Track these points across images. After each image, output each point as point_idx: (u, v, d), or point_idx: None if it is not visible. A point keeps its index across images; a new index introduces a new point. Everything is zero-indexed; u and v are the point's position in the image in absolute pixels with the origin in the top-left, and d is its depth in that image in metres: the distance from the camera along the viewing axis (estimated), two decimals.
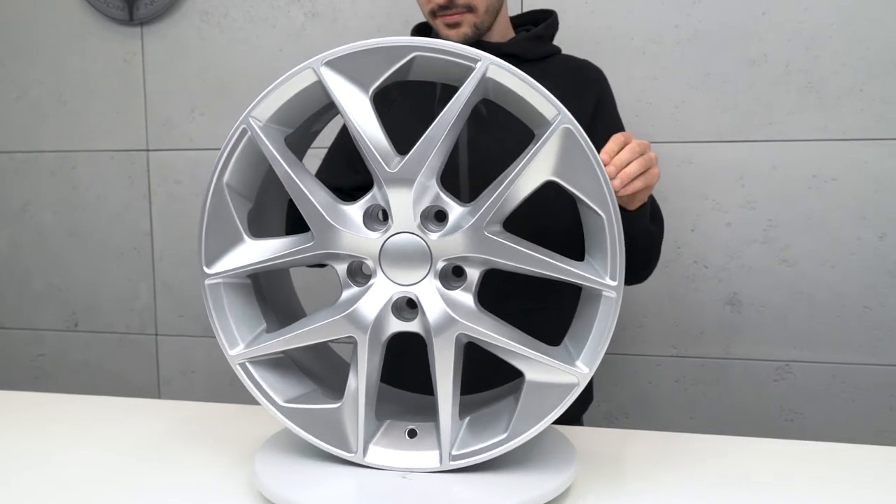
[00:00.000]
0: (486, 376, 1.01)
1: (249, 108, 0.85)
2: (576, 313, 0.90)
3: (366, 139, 0.83)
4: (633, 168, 0.86)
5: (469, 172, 1.20)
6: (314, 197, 0.86)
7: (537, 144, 0.81)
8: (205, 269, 0.89)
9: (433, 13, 1.19)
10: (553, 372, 0.83)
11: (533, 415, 0.84)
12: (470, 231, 0.82)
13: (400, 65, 0.83)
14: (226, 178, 0.88)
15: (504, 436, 0.85)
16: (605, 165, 0.82)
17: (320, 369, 0.97)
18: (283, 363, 0.93)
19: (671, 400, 1.78)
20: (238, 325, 0.90)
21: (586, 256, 0.85)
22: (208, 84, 1.93)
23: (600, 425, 1.40)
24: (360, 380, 0.87)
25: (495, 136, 1.18)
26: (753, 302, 1.71)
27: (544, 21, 1.30)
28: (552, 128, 0.80)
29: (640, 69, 1.69)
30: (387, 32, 1.81)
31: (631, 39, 1.70)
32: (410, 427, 0.90)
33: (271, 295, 0.98)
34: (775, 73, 1.64)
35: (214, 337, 0.91)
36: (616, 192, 0.82)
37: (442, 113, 0.82)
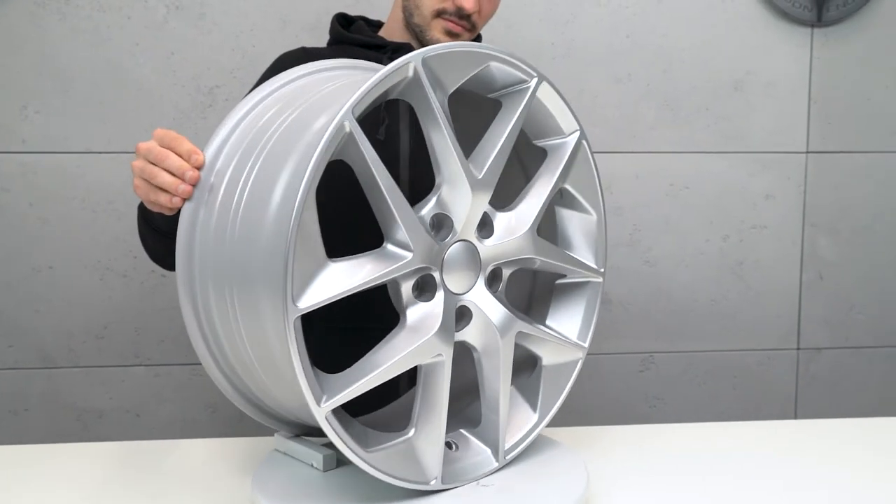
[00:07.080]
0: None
1: (349, 103, 0.71)
2: (553, 303, 0.98)
3: (453, 142, 0.81)
4: None
5: (410, 185, 1.18)
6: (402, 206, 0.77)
7: (568, 156, 0.90)
8: (296, 303, 0.69)
9: (438, 13, 1.15)
10: (562, 352, 0.94)
11: (553, 393, 0.93)
12: (527, 235, 0.88)
13: (477, 71, 0.83)
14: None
15: (536, 418, 0.92)
16: None
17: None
18: None
19: None
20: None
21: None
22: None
23: None
24: (443, 401, 0.82)
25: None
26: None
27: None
28: (577, 141, 0.91)
29: None
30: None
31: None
32: (446, 440, 0.87)
33: None
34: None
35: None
36: None
37: (510, 127, 0.85)
